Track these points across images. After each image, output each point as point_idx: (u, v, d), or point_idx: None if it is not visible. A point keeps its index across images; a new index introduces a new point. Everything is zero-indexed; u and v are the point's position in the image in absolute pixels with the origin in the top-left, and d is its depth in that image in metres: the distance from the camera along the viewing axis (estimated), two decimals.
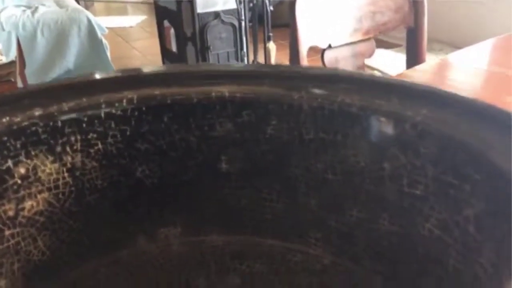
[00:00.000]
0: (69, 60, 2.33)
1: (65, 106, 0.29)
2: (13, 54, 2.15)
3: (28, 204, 0.28)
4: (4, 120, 0.27)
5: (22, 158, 0.27)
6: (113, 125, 0.30)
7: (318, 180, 0.30)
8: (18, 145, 0.27)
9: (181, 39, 2.11)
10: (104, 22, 2.51)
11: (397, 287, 0.26)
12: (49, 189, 0.28)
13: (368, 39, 0.86)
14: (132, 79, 0.31)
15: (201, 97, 0.30)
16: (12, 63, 1.99)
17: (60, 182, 0.29)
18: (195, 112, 0.31)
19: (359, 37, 0.84)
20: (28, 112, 0.28)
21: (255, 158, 0.31)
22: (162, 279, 0.29)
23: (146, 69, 0.33)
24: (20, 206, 0.27)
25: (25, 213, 0.28)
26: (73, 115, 0.29)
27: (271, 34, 2.18)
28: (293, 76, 0.30)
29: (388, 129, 0.26)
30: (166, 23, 2.29)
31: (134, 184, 0.31)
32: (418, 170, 0.25)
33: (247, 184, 0.31)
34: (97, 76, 0.31)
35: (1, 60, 2.07)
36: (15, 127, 0.27)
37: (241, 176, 0.31)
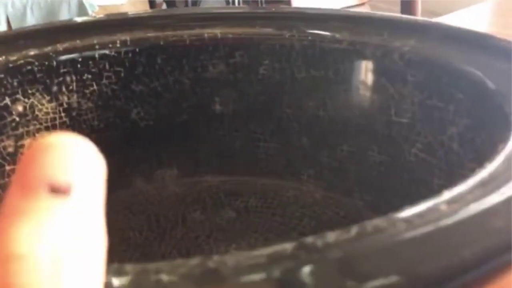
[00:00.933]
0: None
1: (60, 46, 0.29)
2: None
3: (26, 141, 0.28)
4: (0, 58, 0.27)
5: (19, 96, 0.28)
6: (107, 66, 0.30)
7: (309, 118, 0.30)
8: (15, 83, 0.28)
9: None
10: (94, 0, 2.47)
11: (384, 213, 0.28)
12: (46, 128, 0.29)
13: (363, 4, 0.86)
14: (126, 22, 0.32)
15: (193, 39, 0.31)
16: None
17: (57, 121, 0.29)
18: (188, 54, 0.31)
19: (354, 2, 0.84)
20: (24, 51, 0.28)
21: (248, 98, 0.32)
22: (160, 214, 0.30)
23: (140, 13, 0.33)
24: (19, 143, 0.28)
25: (24, 150, 0.28)
26: (68, 56, 0.29)
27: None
28: (284, 16, 0.31)
29: (377, 61, 0.27)
30: None
31: (130, 125, 0.32)
32: (405, 98, 0.26)
33: (240, 125, 0.32)
34: (91, 18, 0.32)
35: None
36: (11, 65, 0.27)
37: (235, 117, 0.32)
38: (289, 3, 0.83)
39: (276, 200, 0.30)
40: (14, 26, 2.20)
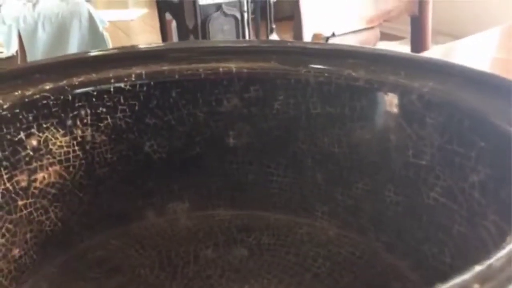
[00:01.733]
0: (70, 53, 2.32)
1: (75, 80, 0.29)
2: (14, 48, 2.15)
3: (40, 175, 0.28)
4: (16, 93, 0.27)
5: (34, 130, 0.28)
6: (122, 100, 0.30)
7: (324, 154, 0.30)
8: (30, 118, 0.28)
9: (183, 32, 2.11)
10: (104, 16, 2.51)
11: (401, 255, 0.27)
12: (60, 162, 0.29)
13: (372, 27, 0.86)
14: (141, 55, 0.32)
15: (208, 73, 0.31)
16: (13, 57, 1.99)
17: (71, 155, 0.29)
18: (203, 88, 0.31)
19: (363, 25, 0.84)
20: (40, 85, 0.28)
21: (262, 133, 0.31)
22: (171, 250, 0.29)
23: (154, 45, 0.33)
24: (32, 178, 0.28)
25: (37, 184, 0.28)
26: (83, 89, 0.29)
27: (274, 26, 2.18)
28: (299, 51, 0.31)
29: (395, 101, 0.27)
30: (167, 16, 2.28)
31: (143, 158, 0.31)
32: (423, 140, 0.25)
33: (254, 159, 0.32)
34: (106, 52, 0.32)
35: (3, 53, 2.07)
36: (26, 100, 0.27)
37: (248, 151, 0.32)
38: (298, 24, 0.83)
39: (289, 238, 0.30)
40: (25, 40, 2.24)
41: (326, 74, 0.29)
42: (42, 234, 0.28)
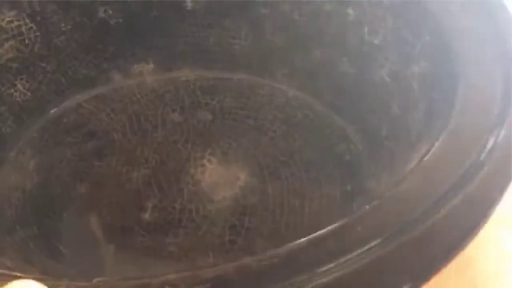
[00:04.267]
0: None
1: None
2: None
3: None
4: None
5: None
6: None
7: (285, 20, 0.30)
8: None
9: None
10: None
11: (349, 120, 0.30)
12: (13, 37, 0.28)
13: None
14: None
15: None
16: None
17: (23, 28, 0.28)
18: None
19: None
20: None
21: None
22: (140, 114, 0.32)
23: None
24: None
25: None
26: None
27: None
28: None
29: None
30: None
31: (99, 24, 0.31)
32: (379, 20, 0.25)
33: (214, 23, 0.31)
34: None
35: None
36: None
37: (208, 14, 0.31)
38: None
39: (251, 100, 0.32)
40: None
41: None
42: (15, 105, 0.30)
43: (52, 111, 0.32)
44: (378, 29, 0.25)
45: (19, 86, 0.30)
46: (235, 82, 0.33)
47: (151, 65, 0.33)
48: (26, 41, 0.29)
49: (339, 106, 0.30)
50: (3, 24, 0.28)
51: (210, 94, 0.33)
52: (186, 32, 0.32)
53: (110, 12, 0.30)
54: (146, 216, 0.26)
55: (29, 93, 0.30)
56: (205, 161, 0.28)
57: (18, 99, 0.30)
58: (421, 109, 0.22)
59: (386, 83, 0.26)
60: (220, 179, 0.28)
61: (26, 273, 0.14)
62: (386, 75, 0.25)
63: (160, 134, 0.31)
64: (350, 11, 0.26)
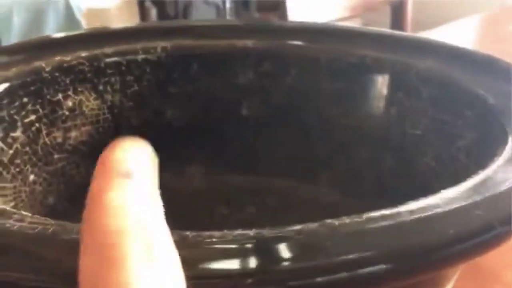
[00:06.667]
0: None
1: (108, 50, 0.32)
2: None
3: (73, 134, 0.32)
4: (56, 58, 0.31)
5: (70, 93, 0.31)
6: (148, 69, 0.33)
7: (331, 126, 0.33)
8: (68, 81, 0.31)
9: (164, 20, 2.09)
10: (82, 2, 2.38)
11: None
12: (91, 123, 0.32)
13: (355, 17, 0.88)
14: (167, 30, 0.35)
15: (226, 48, 0.34)
16: None
17: (101, 117, 0.32)
18: (221, 62, 0.34)
19: (346, 14, 0.86)
20: (76, 53, 0.31)
21: (273, 105, 0.34)
22: (188, 208, 0.32)
23: (178, 22, 0.36)
24: (67, 135, 0.31)
25: (71, 141, 0.32)
26: (114, 59, 0.32)
27: (256, 16, 2.15)
28: (312, 30, 0.34)
29: (396, 77, 0.29)
30: (148, 4, 2.23)
31: (164, 124, 0.35)
32: (419, 112, 0.28)
33: (265, 129, 0.35)
34: (136, 26, 0.35)
35: None
36: (65, 65, 0.31)
37: (260, 121, 0.35)
38: (283, 14, 0.85)
39: (294, 201, 0.33)
40: (0, 28, 2.12)
41: (336, 52, 0.32)
42: (73, 187, 0.32)
43: None
44: (420, 119, 0.28)
45: (82, 169, 0.32)
46: (280, 185, 0.35)
47: (203, 168, 0.36)
48: (100, 129, 0.33)
49: (385, 205, 0.31)
50: (86, 110, 0.32)
51: (256, 195, 0.34)
52: (239, 139, 0.35)
53: (176, 115, 0.35)
54: None
55: (88, 178, 0.32)
56: None
57: (77, 181, 0.32)
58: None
59: (432, 167, 0.27)
60: None
61: None
62: (430, 160, 0.27)
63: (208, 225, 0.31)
64: (392, 110, 0.30)
